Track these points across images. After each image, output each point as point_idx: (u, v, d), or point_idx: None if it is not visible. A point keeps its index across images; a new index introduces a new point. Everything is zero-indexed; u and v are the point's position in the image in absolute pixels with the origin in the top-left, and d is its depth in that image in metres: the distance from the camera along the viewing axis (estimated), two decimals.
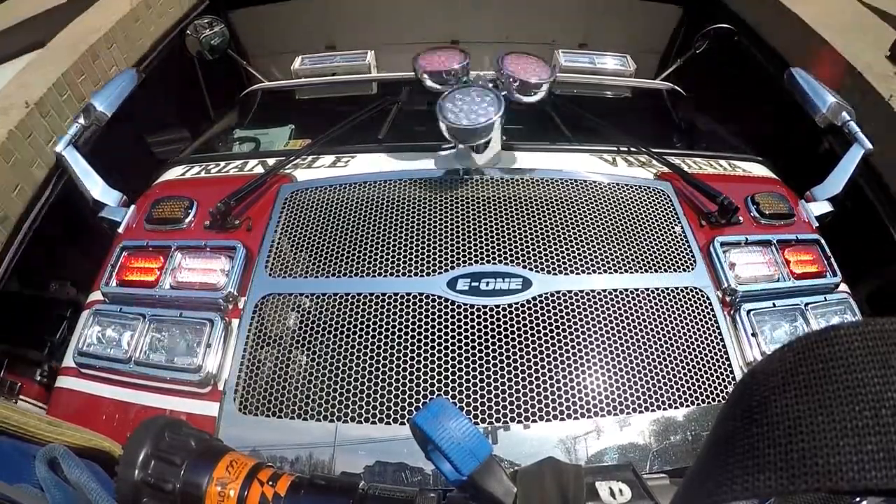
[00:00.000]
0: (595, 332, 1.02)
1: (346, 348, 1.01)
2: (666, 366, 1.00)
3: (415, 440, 0.45)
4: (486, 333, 1.00)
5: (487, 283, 1.07)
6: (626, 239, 1.19)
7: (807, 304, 1.17)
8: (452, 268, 1.10)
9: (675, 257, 1.18)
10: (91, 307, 1.20)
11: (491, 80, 1.35)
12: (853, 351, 0.20)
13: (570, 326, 1.02)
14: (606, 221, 1.21)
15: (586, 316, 1.04)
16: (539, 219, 1.19)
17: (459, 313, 1.03)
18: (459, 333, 1.01)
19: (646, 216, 1.25)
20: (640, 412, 0.95)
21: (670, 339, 1.04)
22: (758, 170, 1.62)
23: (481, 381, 0.96)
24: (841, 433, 0.19)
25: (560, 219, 1.20)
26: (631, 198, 1.29)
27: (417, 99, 1.73)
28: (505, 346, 0.99)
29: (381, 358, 0.99)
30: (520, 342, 1.00)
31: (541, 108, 1.75)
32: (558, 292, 1.06)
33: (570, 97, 1.94)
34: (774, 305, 1.15)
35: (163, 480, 0.45)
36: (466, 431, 0.42)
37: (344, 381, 0.98)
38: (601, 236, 1.18)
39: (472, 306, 1.04)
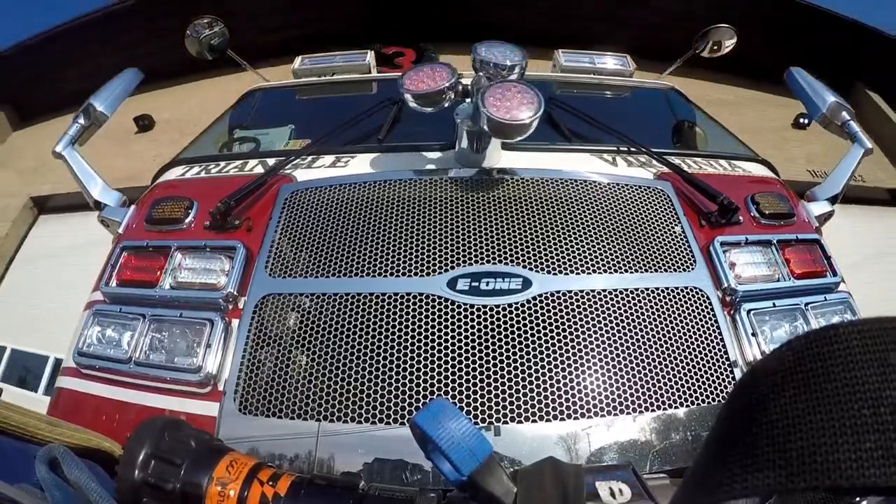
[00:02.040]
0: (595, 332, 1.02)
1: (346, 348, 1.01)
2: (666, 366, 1.00)
3: (415, 440, 0.45)
4: (486, 333, 1.00)
5: (487, 283, 1.07)
6: (626, 239, 1.18)
7: (807, 304, 1.17)
8: (452, 268, 1.10)
9: (674, 257, 1.18)
10: (91, 307, 1.20)
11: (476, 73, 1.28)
12: (852, 350, 0.20)
13: (570, 326, 1.02)
14: (606, 221, 1.21)
15: (586, 316, 1.04)
16: (539, 219, 1.19)
17: (459, 313, 1.03)
18: (460, 333, 1.01)
19: (646, 216, 1.25)
20: (640, 412, 0.95)
21: (670, 338, 1.04)
22: (758, 170, 1.62)
23: (481, 380, 0.96)
24: (840, 431, 0.19)
25: (560, 219, 1.20)
26: (631, 198, 1.29)
27: None
28: (505, 346, 0.99)
29: (381, 358, 0.99)
30: (520, 342, 1.00)
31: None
32: (558, 292, 1.06)
33: (571, 97, 1.94)
34: (774, 305, 1.15)
35: (163, 480, 0.45)
36: (466, 431, 0.42)
37: (344, 381, 0.98)
38: (601, 236, 1.18)
39: (472, 306, 1.04)
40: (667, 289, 1.11)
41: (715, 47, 2.36)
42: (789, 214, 1.36)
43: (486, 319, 1.02)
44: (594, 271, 1.11)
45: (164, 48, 5.37)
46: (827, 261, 1.27)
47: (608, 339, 1.02)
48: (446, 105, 1.27)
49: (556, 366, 0.97)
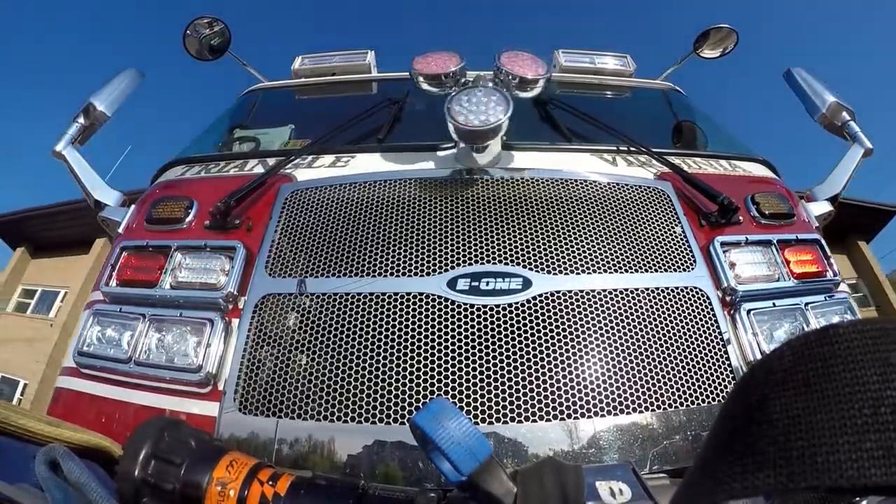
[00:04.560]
0: (595, 332, 1.02)
1: (346, 348, 1.01)
2: (666, 365, 1.00)
3: (415, 440, 0.45)
4: (486, 333, 1.00)
5: (487, 283, 1.07)
6: (627, 239, 1.18)
7: (807, 304, 1.17)
8: (452, 267, 1.09)
9: (674, 257, 1.18)
10: (91, 307, 1.20)
11: (490, 80, 1.34)
12: (852, 349, 0.20)
13: (570, 326, 1.02)
14: (606, 221, 1.21)
15: (587, 316, 1.04)
16: (539, 219, 1.19)
17: (459, 313, 1.03)
18: (459, 333, 1.01)
19: (646, 216, 1.25)
20: (641, 412, 0.95)
21: (670, 338, 1.04)
22: (758, 170, 1.62)
23: (481, 380, 0.96)
24: (840, 431, 0.19)
25: (560, 219, 1.20)
26: (631, 198, 1.29)
27: (417, 99, 1.73)
28: (505, 346, 0.99)
29: (381, 357, 0.99)
30: (520, 342, 0.99)
31: (541, 107, 1.75)
32: (558, 292, 1.06)
33: (571, 97, 1.94)
34: (774, 305, 1.15)
35: (163, 480, 0.45)
36: (466, 431, 0.42)
37: (344, 380, 0.98)
38: (601, 236, 1.17)
39: (472, 306, 1.04)
40: (667, 289, 1.11)
41: (717, 48, 2.36)
42: (789, 214, 1.36)
43: (486, 319, 1.02)
44: (594, 271, 1.11)
45: None
46: (827, 261, 1.27)
47: (608, 339, 1.02)
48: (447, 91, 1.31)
49: (556, 366, 0.97)
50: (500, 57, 1.33)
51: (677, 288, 1.12)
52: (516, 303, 1.04)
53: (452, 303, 1.04)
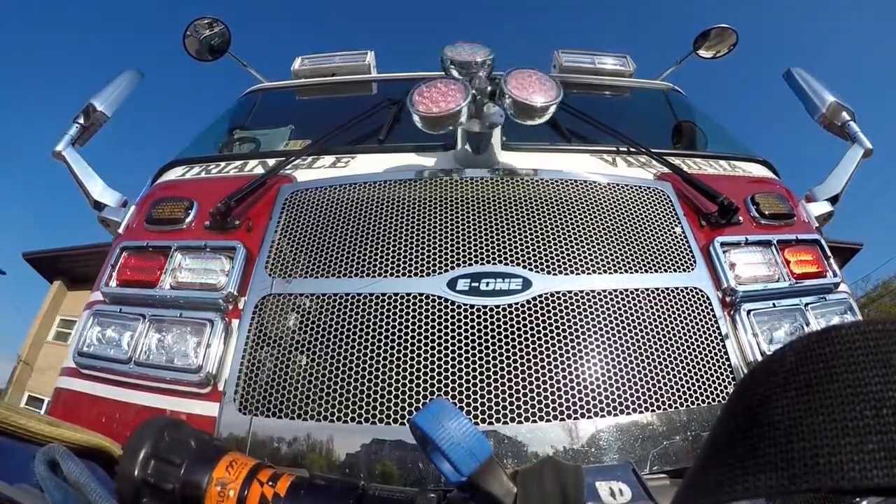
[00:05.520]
0: (595, 333, 1.02)
1: (346, 348, 1.01)
2: (666, 366, 1.00)
3: (415, 440, 0.45)
4: (486, 333, 1.00)
5: (487, 284, 1.07)
6: (627, 239, 1.18)
7: (807, 304, 1.17)
8: (452, 268, 1.09)
9: (674, 257, 1.18)
10: (91, 307, 1.20)
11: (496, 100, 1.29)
12: (854, 350, 0.20)
13: (570, 326, 1.02)
14: (607, 222, 1.21)
15: (587, 316, 1.04)
16: (539, 219, 1.19)
17: (459, 313, 1.03)
18: (459, 333, 1.00)
19: (646, 216, 1.25)
20: (640, 412, 0.95)
21: (670, 339, 1.04)
22: (758, 170, 1.62)
23: (481, 380, 0.96)
24: (842, 432, 0.19)
25: (560, 219, 1.20)
26: (631, 198, 1.28)
27: None
28: (505, 346, 0.99)
29: (381, 358, 0.99)
30: (520, 342, 0.99)
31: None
32: (558, 292, 1.06)
33: (571, 97, 1.94)
34: (774, 305, 1.15)
35: (162, 480, 0.45)
36: (466, 431, 0.42)
37: (344, 381, 0.98)
38: (601, 236, 1.17)
39: (472, 306, 1.04)
40: (667, 289, 1.11)
41: (716, 48, 2.36)
42: (789, 215, 1.36)
43: (486, 319, 1.02)
44: (594, 271, 1.11)
45: None
46: (827, 261, 1.27)
47: (608, 339, 1.01)
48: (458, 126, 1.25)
49: (556, 366, 0.97)
50: (508, 80, 1.23)
51: (677, 288, 1.12)
52: (516, 303, 1.04)
53: (452, 303, 1.04)
